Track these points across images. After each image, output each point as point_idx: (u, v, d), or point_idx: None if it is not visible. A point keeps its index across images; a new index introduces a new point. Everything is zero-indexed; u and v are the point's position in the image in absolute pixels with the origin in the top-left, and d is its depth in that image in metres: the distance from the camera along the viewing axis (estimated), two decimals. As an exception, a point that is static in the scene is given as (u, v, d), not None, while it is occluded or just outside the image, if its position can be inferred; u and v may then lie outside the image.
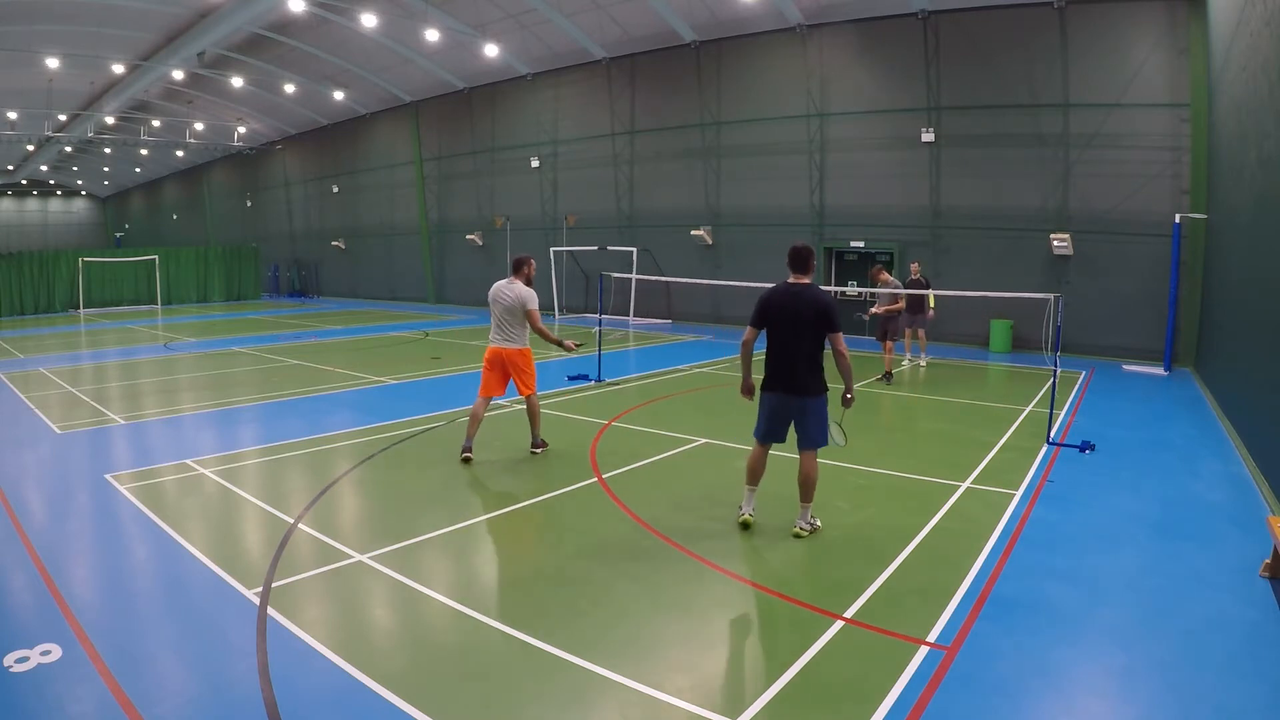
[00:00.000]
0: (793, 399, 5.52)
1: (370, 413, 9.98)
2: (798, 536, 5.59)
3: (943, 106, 17.57)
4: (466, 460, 7.52)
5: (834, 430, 5.87)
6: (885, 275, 12.78)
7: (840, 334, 5.44)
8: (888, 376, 12.42)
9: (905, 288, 13.02)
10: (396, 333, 20.63)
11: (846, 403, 5.63)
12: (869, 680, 3.74)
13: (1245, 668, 3.92)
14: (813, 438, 5.55)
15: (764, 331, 5.62)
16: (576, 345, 8.13)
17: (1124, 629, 4.34)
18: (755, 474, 5.77)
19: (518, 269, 7.66)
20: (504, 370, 7.60)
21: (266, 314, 26.99)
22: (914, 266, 14.33)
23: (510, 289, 7.53)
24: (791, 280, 5.57)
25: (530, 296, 7.52)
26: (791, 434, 5.67)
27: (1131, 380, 13.24)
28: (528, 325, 7.58)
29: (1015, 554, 5.35)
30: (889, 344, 12.60)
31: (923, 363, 14.40)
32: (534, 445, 7.92)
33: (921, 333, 14.29)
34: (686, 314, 22.96)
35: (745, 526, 5.73)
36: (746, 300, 5.79)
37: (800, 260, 5.56)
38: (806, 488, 5.61)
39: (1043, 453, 8.11)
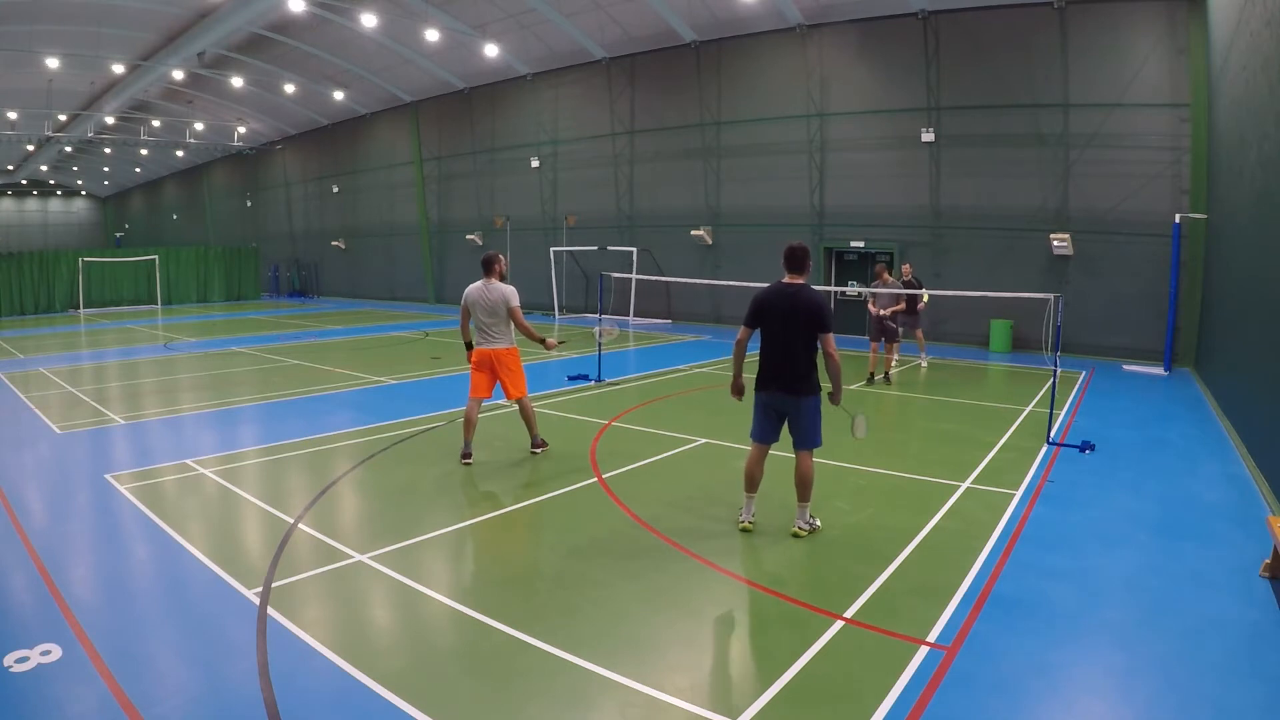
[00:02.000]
0: (786, 398, 5.53)
1: (370, 413, 9.98)
2: (797, 536, 5.59)
3: (943, 106, 17.56)
4: (467, 464, 7.51)
5: (858, 422, 6.01)
6: (887, 275, 12.76)
7: (831, 335, 5.44)
8: (884, 378, 12.42)
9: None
10: (396, 333, 20.63)
11: (833, 403, 5.64)
12: (869, 680, 3.74)
13: (1245, 668, 3.92)
14: (807, 438, 5.55)
15: (758, 331, 5.63)
16: (559, 343, 8.07)
17: (1124, 629, 4.34)
18: (753, 480, 5.76)
19: (490, 268, 7.43)
20: (492, 370, 7.48)
21: (266, 314, 26.98)
22: (905, 268, 14.28)
23: (490, 290, 7.36)
24: (786, 280, 5.56)
25: (512, 294, 7.38)
26: (787, 436, 5.67)
27: (1131, 380, 13.24)
28: (512, 324, 7.45)
29: (1015, 554, 5.35)
30: (891, 344, 12.59)
31: (923, 363, 14.41)
32: (534, 445, 7.90)
33: (919, 332, 14.30)
34: (686, 314, 22.95)
35: (745, 534, 5.73)
36: (746, 300, 5.79)
37: (796, 260, 5.56)
38: (803, 488, 5.61)
39: (1042, 453, 8.12)
